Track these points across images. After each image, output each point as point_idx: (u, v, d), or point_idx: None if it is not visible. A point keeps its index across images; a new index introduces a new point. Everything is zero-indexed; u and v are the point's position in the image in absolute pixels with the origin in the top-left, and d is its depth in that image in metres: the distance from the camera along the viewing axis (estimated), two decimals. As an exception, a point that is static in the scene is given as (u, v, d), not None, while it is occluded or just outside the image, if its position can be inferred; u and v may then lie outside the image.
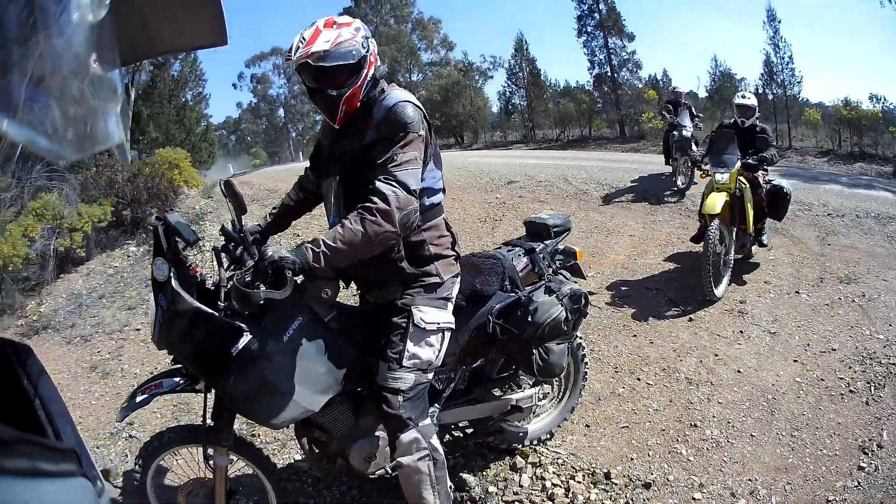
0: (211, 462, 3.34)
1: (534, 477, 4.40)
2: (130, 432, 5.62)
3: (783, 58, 35.15)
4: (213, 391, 3.22)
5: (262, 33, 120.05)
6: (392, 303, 3.34)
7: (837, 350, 6.04)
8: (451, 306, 3.46)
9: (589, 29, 41.53)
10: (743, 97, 9.17)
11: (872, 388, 5.35)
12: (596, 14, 40.97)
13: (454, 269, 3.50)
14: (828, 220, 10.76)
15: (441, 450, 3.39)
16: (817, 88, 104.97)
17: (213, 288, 3.14)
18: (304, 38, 3.05)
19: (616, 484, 4.29)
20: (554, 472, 4.44)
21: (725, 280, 7.77)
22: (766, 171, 8.89)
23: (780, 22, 35.07)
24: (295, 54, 3.03)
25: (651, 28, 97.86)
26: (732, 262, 8.12)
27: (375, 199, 2.89)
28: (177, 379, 3.33)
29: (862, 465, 4.36)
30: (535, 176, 15.03)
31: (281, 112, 62.28)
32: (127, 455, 5.30)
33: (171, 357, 3.22)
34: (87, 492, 0.77)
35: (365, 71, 3.17)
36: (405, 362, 3.24)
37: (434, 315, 3.33)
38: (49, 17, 0.64)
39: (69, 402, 6.33)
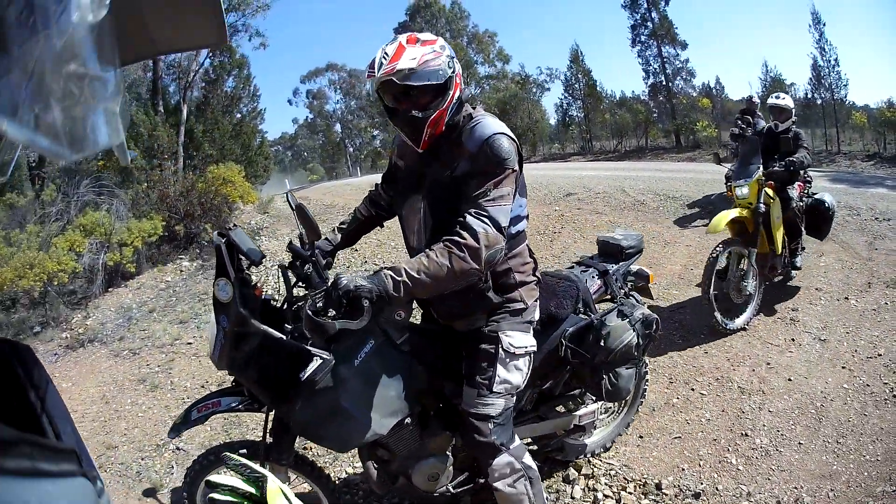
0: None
1: (586, 488, 4.44)
2: (178, 444, 5.66)
3: (829, 61, 34.55)
4: (273, 413, 3.21)
5: (317, 48, 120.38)
6: (478, 330, 3.31)
7: (883, 355, 5.99)
8: (532, 330, 3.43)
9: (643, 38, 41.21)
10: (777, 97, 8.60)
11: (917, 392, 5.31)
12: (649, 23, 40.60)
13: (536, 293, 3.46)
14: (875, 224, 10.61)
15: (534, 465, 3.39)
16: (863, 89, 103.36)
17: (278, 306, 3.17)
18: (386, 54, 2.90)
19: (666, 494, 4.31)
20: (606, 484, 4.46)
21: (750, 309, 7.20)
22: (808, 182, 8.49)
23: (824, 25, 34.40)
24: (379, 71, 2.88)
25: (702, 36, 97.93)
26: (757, 289, 7.32)
27: (465, 235, 2.77)
28: (236, 398, 3.31)
29: (903, 467, 4.35)
30: (593, 187, 14.97)
31: (338, 127, 61.79)
32: (173, 467, 5.36)
33: (232, 378, 3.22)
34: (87, 492, 0.79)
35: (451, 92, 3.02)
36: (496, 387, 3.21)
37: (521, 339, 3.30)
38: (49, 17, 0.66)
39: (115, 414, 6.55)
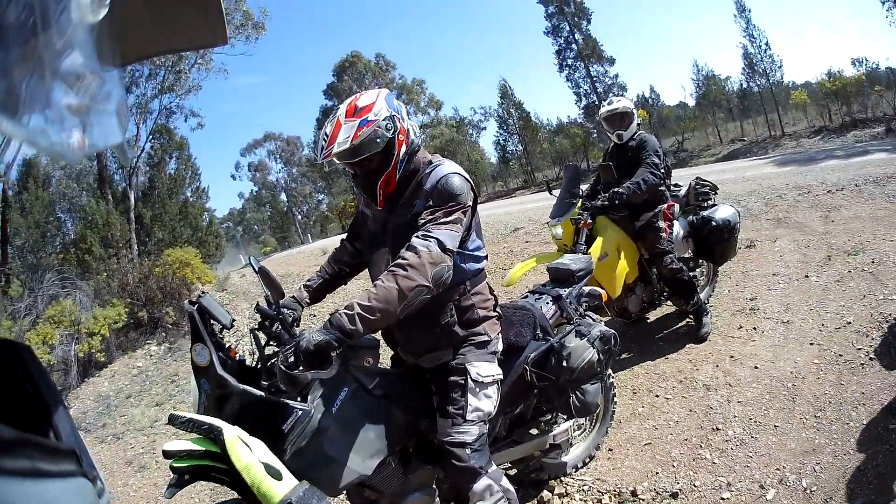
0: None
1: (561, 509, 4.41)
2: None
3: (760, 46, 35.22)
4: None
5: (253, 120, 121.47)
6: (445, 364, 3.42)
7: (852, 322, 6.00)
8: (496, 360, 3.54)
9: (569, 61, 41.97)
10: (609, 103, 6.98)
11: (893, 350, 5.32)
12: (574, 45, 41.38)
13: (498, 327, 3.60)
14: (828, 196, 10.71)
15: (512, 489, 3.45)
16: (802, 66, 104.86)
17: (253, 366, 3.20)
18: (326, 135, 3.14)
19: (643, 499, 4.31)
20: (581, 499, 4.47)
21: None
22: (672, 202, 6.76)
23: (750, 11, 35.12)
24: (321, 154, 3.14)
25: (630, 48, 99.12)
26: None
27: (407, 255, 2.92)
28: None
29: (891, 426, 4.34)
30: (539, 219, 15.08)
31: (283, 196, 62.76)
32: (170, 540, 5.35)
33: None
34: (87, 492, 0.79)
35: (396, 151, 3.22)
36: (469, 416, 3.30)
37: (487, 369, 3.42)
38: (49, 17, 0.66)
39: (110, 496, 6.50)
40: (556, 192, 6.76)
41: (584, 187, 6.91)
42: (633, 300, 6.74)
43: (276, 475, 1.55)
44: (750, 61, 35.19)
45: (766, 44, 34.79)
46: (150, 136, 29.60)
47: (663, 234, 6.44)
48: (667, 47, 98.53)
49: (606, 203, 6.20)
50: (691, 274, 6.77)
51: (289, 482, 1.47)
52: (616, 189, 6.12)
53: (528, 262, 6.27)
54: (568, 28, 41.25)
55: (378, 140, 3.14)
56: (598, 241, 6.27)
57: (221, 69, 29.98)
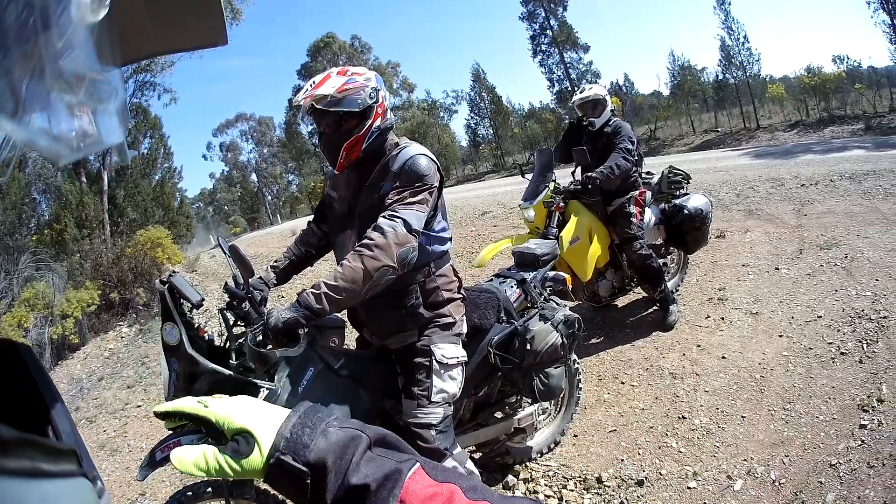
0: None
1: (526, 492, 4.43)
2: (143, 502, 5.68)
3: (738, 39, 35.36)
4: None
5: (226, 100, 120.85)
6: (411, 345, 3.44)
7: (823, 316, 6.02)
8: (461, 342, 3.58)
9: (543, 47, 41.93)
10: (581, 91, 6.90)
11: (865, 346, 5.33)
12: (548, 31, 41.35)
13: (462, 309, 3.64)
14: (801, 191, 10.79)
15: (476, 472, 3.56)
16: (780, 60, 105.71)
17: (222, 346, 3.24)
18: (314, 82, 3.21)
19: (608, 486, 4.31)
20: (546, 485, 4.47)
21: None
22: (644, 189, 6.85)
23: (730, 4, 35.33)
24: (303, 94, 3.17)
25: (605, 35, 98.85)
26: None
27: (373, 235, 2.95)
28: (195, 436, 3.30)
29: (863, 422, 4.34)
30: (507, 203, 15.27)
31: (254, 177, 62.60)
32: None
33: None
34: (87, 492, 0.77)
35: (370, 121, 3.26)
36: (434, 397, 3.34)
37: (452, 350, 3.45)
38: (49, 17, 0.64)
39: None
40: (529, 176, 6.82)
41: (556, 171, 6.75)
42: (604, 285, 6.78)
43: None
44: (727, 53, 35.37)
45: (745, 37, 34.99)
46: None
47: (634, 220, 6.50)
48: (643, 37, 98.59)
49: (579, 187, 6.25)
50: (661, 261, 6.90)
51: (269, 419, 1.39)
52: (589, 174, 6.13)
53: (500, 242, 6.31)
54: (543, 14, 41.17)
55: (359, 101, 3.19)
56: (570, 225, 6.27)
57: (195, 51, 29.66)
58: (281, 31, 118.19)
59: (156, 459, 3.26)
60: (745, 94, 33.87)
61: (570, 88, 40.35)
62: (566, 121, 40.10)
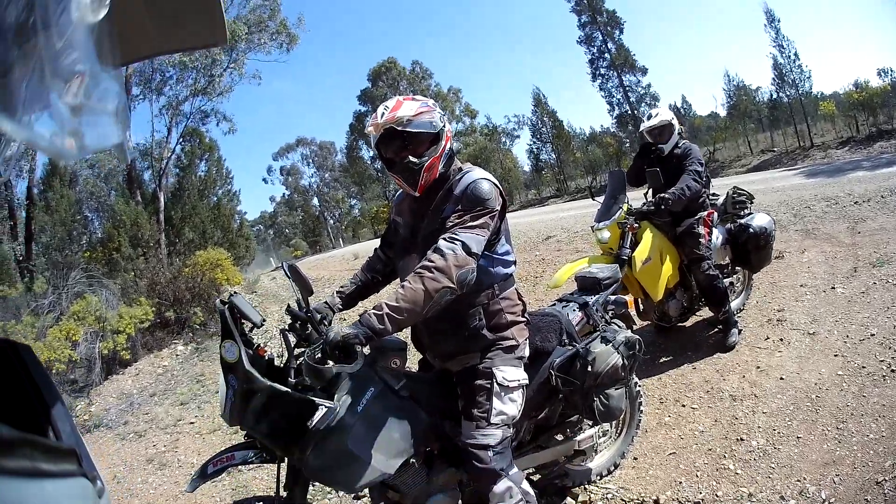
0: None
1: (584, 515, 4.41)
2: None
3: (789, 56, 34.94)
4: (286, 462, 3.30)
5: (286, 125, 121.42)
6: (473, 367, 3.45)
7: (876, 334, 5.97)
8: (523, 365, 3.57)
9: (602, 71, 41.75)
10: (648, 117, 7.04)
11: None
12: (606, 55, 41.17)
13: (525, 332, 3.63)
14: (855, 208, 10.63)
15: (532, 492, 3.48)
16: (829, 77, 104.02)
17: (282, 366, 3.23)
18: (387, 107, 3.25)
19: (665, 509, 4.29)
20: (604, 508, 4.44)
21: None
22: (712, 209, 6.95)
23: (779, 21, 34.85)
24: (381, 119, 3.20)
25: (662, 58, 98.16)
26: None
27: (434, 257, 2.99)
28: (249, 451, 3.37)
29: (910, 438, 4.31)
30: (571, 228, 15.11)
31: (315, 201, 62.51)
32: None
33: (244, 433, 3.30)
34: (87, 492, 0.79)
35: (443, 143, 3.34)
36: (493, 419, 3.34)
37: (513, 373, 3.45)
38: (49, 17, 0.66)
39: (127, 493, 6.67)
40: (599, 199, 6.97)
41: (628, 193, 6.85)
42: (674, 305, 6.84)
43: None
44: (780, 72, 34.87)
45: (795, 54, 34.50)
46: (181, 139, 29.65)
47: (702, 240, 6.57)
48: (698, 57, 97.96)
49: (653, 208, 6.31)
50: (727, 281, 6.97)
51: None
52: (662, 194, 6.23)
53: (576, 263, 6.26)
54: (600, 37, 41.01)
55: (433, 123, 3.28)
56: (644, 245, 6.37)
57: (255, 75, 30.13)
58: (340, 53, 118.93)
59: (207, 472, 3.30)
60: (799, 112, 33.42)
61: (629, 111, 40.52)
62: (626, 144, 39.95)
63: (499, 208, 3.27)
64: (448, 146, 3.38)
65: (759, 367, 6.05)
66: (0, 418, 0.65)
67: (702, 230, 6.59)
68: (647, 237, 6.46)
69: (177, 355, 12.51)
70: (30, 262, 20.35)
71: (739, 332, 6.87)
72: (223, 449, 3.45)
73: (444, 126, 3.35)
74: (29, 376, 0.93)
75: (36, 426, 0.90)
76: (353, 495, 3.79)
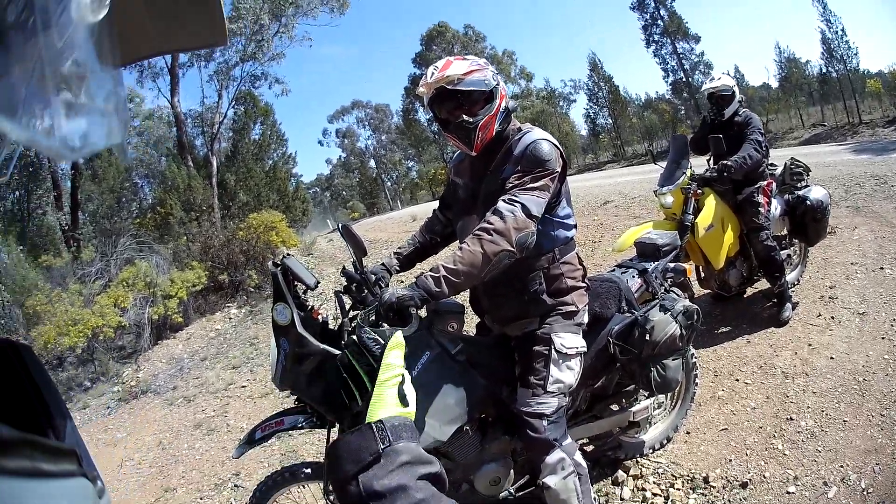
0: (331, 497, 3.36)
1: (635, 489, 4.49)
2: (236, 482, 5.80)
3: (836, 32, 34.48)
4: (336, 427, 3.27)
5: (340, 88, 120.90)
6: (531, 332, 3.47)
7: (923, 318, 5.88)
8: (581, 331, 3.59)
9: (655, 37, 41.65)
10: (711, 80, 6.99)
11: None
12: (659, 21, 40.86)
13: (585, 298, 3.65)
14: (903, 188, 10.42)
15: (584, 464, 3.50)
16: (874, 56, 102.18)
17: (336, 329, 3.25)
18: (437, 67, 3.25)
19: (714, 487, 4.33)
20: (654, 482, 4.51)
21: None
22: (773, 175, 7.15)
23: (826, -6, 34.37)
24: (431, 78, 3.21)
25: (714, 26, 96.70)
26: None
27: (493, 220, 2.97)
28: (299, 417, 3.42)
29: (950, 429, 4.27)
30: (629, 193, 15.15)
31: (372, 163, 62.75)
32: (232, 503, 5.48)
33: (295, 398, 3.32)
34: (87, 492, 0.79)
35: (498, 101, 3.32)
36: (550, 387, 3.36)
37: (572, 340, 3.47)
38: (49, 17, 0.67)
39: (172, 459, 6.78)
40: (661, 163, 6.93)
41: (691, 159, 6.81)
42: (734, 274, 6.88)
43: (402, 397, 1.56)
44: (828, 46, 34.60)
45: (842, 30, 34.25)
46: (233, 102, 29.76)
47: (762, 210, 6.58)
48: (749, 28, 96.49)
49: (715, 174, 6.28)
50: (784, 253, 6.98)
51: (397, 409, 1.49)
52: (725, 161, 6.22)
53: (641, 226, 6.25)
54: (653, 4, 40.92)
55: (486, 81, 3.26)
56: (707, 212, 6.41)
57: (305, 38, 29.92)
58: (393, 16, 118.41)
59: (255, 438, 3.38)
60: (847, 88, 33.02)
61: (684, 79, 40.60)
62: (681, 111, 39.59)
63: (559, 170, 3.26)
64: (503, 104, 3.36)
65: (810, 345, 6.02)
66: (0, 418, 0.66)
67: (761, 199, 6.60)
68: (710, 204, 6.50)
69: (230, 318, 12.59)
70: (76, 231, 20.48)
71: (794, 306, 6.90)
72: (272, 414, 3.53)
73: (497, 84, 3.33)
74: (29, 376, 0.93)
75: (36, 426, 0.90)
76: None
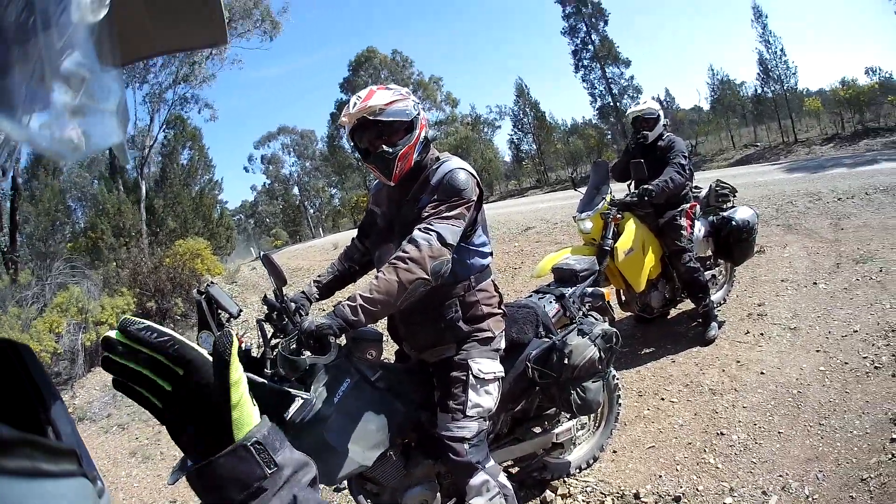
0: None
1: (566, 509, 4.41)
2: None
3: (775, 52, 35.27)
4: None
5: (267, 113, 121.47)
6: (449, 359, 3.46)
7: (859, 331, 5.97)
8: (498, 357, 3.58)
9: (585, 62, 42.07)
10: (636, 104, 7.10)
11: (897, 359, 5.29)
12: (590, 46, 41.44)
13: (502, 324, 3.65)
14: (838, 204, 10.68)
15: (509, 485, 3.48)
16: (816, 74, 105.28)
17: (258, 357, 3.19)
18: (359, 97, 3.25)
19: (646, 502, 4.32)
20: (584, 501, 4.49)
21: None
22: (695, 202, 7.01)
23: (766, 17, 35.21)
24: (353, 109, 3.20)
25: (646, 51, 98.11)
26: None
27: (408, 248, 2.98)
28: None
29: (894, 435, 4.32)
30: (550, 219, 15.16)
31: (296, 190, 62.21)
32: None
33: None
34: (87, 492, 0.77)
35: (418, 131, 3.34)
36: (469, 412, 3.35)
37: (489, 365, 3.46)
38: (49, 17, 0.65)
39: (112, 486, 6.73)
40: (582, 189, 6.87)
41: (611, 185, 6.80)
42: (655, 296, 6.87)
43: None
44: (765, 67, 35.28)
45: (782, 50, 34.91)
46: (164, 126, 29.83)
47: (684, 233, 6.59)
48: (683, 51, 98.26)
49: (636, 199, 6.30)
50: (709, 274, 7.09)
51: (258, 416, 1.43)
52: (646, 186, 6.23)
53: (559, 252, 6.25)
54: (585, 29, 41.30)
55: (407, 112, 3.28)
56: (626, 236, 6.37)
57: (236, 60, 30.21)
58: (322, 41, 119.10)
59: (188, 465, 3.31)
60: (783, 107, 33.87)
61: (612, 104, 40.76)
62: (607, 136, 40.15)
63: (475, 199, 3.28)
64: (423, 135, 3.39)
65: (738, 362, 6.06)
66: (0, 418, 0.64)
67: (684, 222, 6.62)
68: (630, 228, 6.47)
69: (159, 346, 12.43)
70: (14, 253, 20.35)
71: (720, 325, 6.92)
72: None
73: (418, 114, 3.35)
74: (29, 376, 0.89)
75: (36, 426, 0.85)
76: (332, 487, 3.77)
